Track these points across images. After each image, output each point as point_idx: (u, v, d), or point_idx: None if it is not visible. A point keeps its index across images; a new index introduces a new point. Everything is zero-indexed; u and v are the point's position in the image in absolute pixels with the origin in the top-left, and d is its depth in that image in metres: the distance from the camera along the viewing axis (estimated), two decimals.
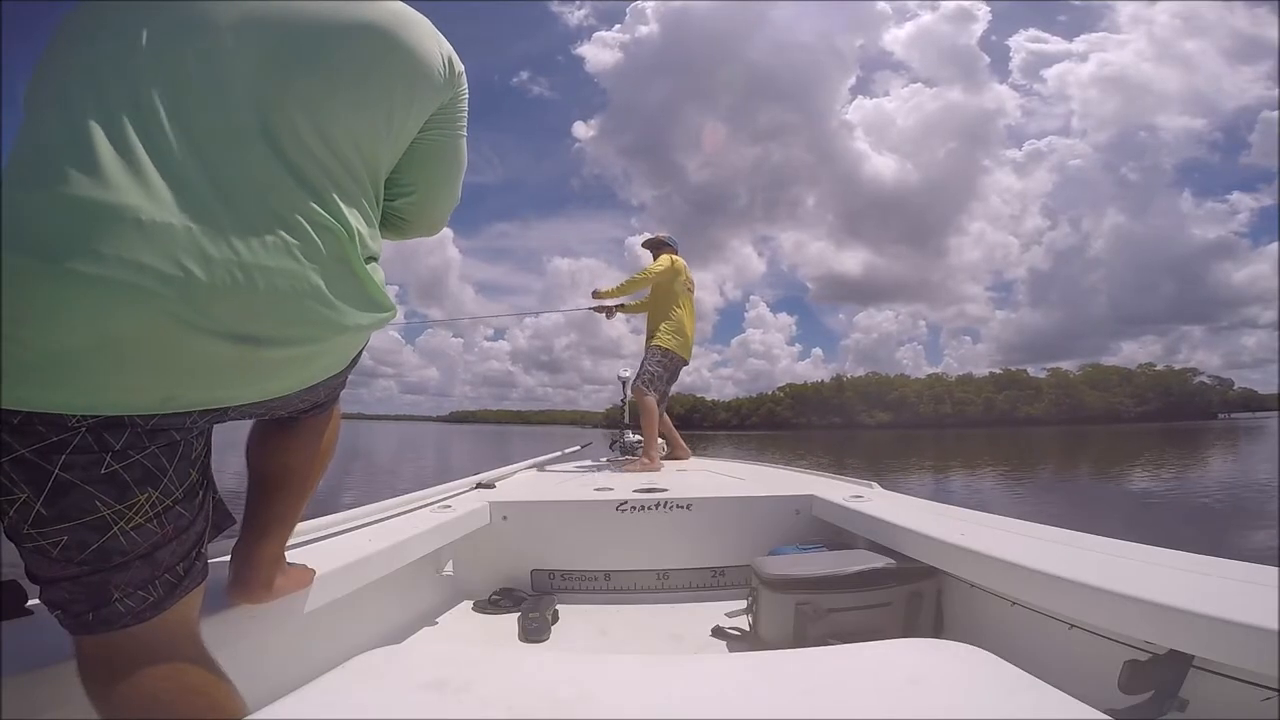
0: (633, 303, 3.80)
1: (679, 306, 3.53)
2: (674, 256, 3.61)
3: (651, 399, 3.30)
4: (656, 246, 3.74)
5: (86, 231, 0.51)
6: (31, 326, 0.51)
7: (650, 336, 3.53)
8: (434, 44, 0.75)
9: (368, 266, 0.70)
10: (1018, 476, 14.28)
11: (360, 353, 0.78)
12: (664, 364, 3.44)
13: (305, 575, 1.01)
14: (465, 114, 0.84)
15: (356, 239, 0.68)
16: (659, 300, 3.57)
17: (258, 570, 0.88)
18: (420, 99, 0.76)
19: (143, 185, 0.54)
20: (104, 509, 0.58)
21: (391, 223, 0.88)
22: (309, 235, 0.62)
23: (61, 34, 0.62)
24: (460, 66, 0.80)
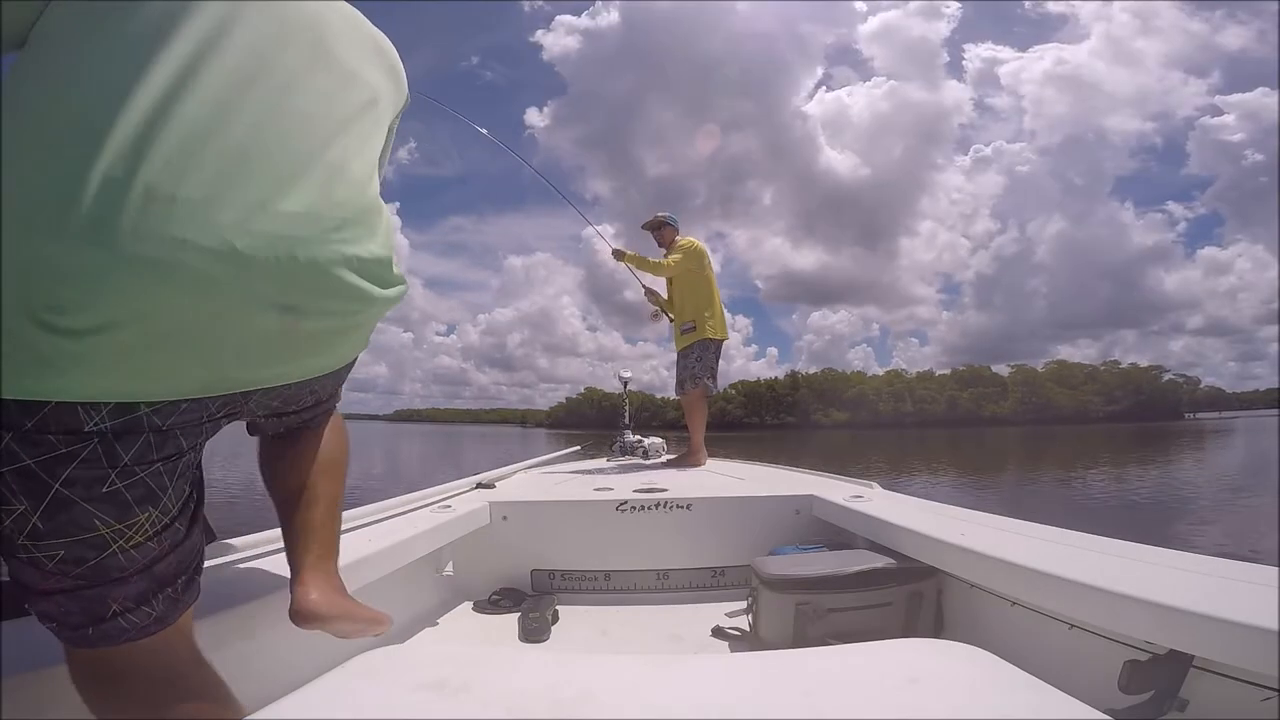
0: (661, 298, 3.53)
1: (713, 290, 3.33)
2: (690, 238, 3.39)
3: (700, 391, 3.24)
4: (658, 227, 3.48)
5: (124, 211, 0.50)
6: (73, 313, 0.49)
7: (689, 329, 3.28)
8: (401, 68, 0.84)
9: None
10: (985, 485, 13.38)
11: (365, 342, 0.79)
12: (715, 352, 3.30)
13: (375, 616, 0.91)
14: None
15: (383, 214, 0.70)
16: (693, 288, 3.32)
17: (332, 580, 0.85)
18: (395, 109, 0.84)
19: (178, 162, 0.53)
20: (103, 528, 0.57)
21: None
22: (343, 210, 0.64)
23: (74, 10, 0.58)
24: None
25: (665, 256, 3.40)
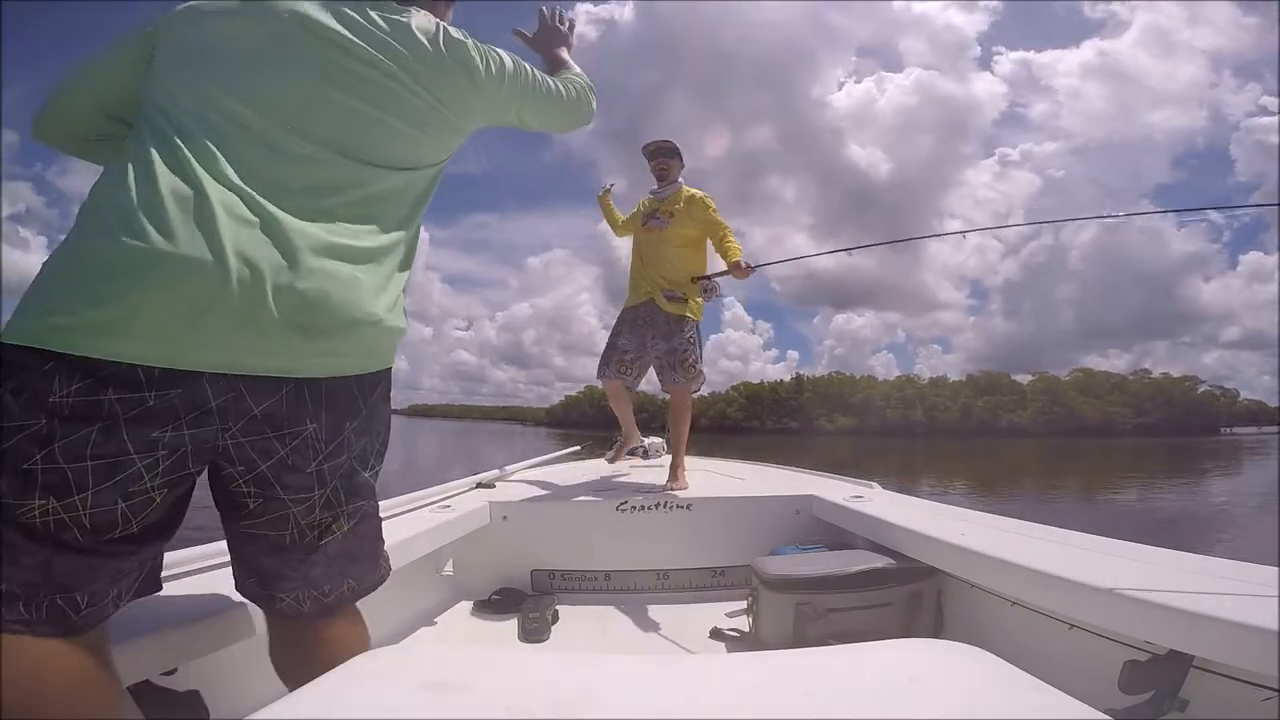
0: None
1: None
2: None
3: (697, 385, 2.36)
4: (670, 154, 2.44)
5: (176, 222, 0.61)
6: (134, 296, 0.59)
7: (683, 301, 2.33)
8: None
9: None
10: None
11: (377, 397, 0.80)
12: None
13: None
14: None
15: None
16: (700, 248, 2.38)
17: None
18: None
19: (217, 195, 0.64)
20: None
21: None
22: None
23: (169, 39, 0.72)
24: None
25: (665, 195, 2.43)
